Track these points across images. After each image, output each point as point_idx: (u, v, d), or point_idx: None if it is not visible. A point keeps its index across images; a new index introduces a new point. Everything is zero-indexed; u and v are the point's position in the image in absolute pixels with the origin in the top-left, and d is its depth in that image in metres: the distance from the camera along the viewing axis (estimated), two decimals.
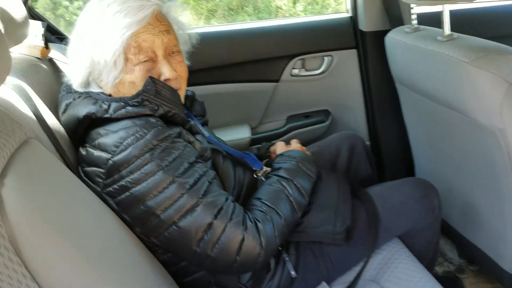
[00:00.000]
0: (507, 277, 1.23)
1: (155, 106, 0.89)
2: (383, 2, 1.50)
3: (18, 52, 1.02)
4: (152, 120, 0.88)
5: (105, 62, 0.89)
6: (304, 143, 1.44)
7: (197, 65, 1.51)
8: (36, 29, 1.03)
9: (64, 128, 0.93)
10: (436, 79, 1.17)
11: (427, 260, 1.26)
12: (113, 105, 0.88)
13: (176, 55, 0.99)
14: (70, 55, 0.94)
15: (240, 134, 1.62)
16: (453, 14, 1.14)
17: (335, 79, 1.67)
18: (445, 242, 1.60)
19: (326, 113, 1.72)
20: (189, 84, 1.51)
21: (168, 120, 0.93)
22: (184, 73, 1.01)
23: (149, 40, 0.91)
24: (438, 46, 1.11)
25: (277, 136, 1.67)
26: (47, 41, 1.06)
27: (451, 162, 1.35)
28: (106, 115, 0.87)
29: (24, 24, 0.94)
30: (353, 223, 1.08)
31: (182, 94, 1.01)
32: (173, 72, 0.95)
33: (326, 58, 1.63)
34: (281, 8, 7.28)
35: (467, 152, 1.23)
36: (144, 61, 0.92)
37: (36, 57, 1.04)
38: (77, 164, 0.90)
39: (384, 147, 1.72)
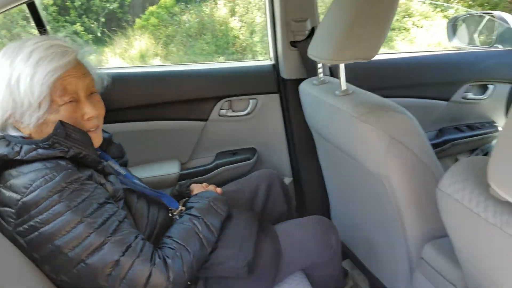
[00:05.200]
0: None
1: (65, 148, 0.97)
2: (300, 53, 1.66)
3: None
4: (62, 163, 0.96)
5: (29, 104, 0.96)
6: (231, 179, 1.57)
7: (129, 102, 1.62)
8: None
9: None
10: (335, 129, 1.31)
11: None
12: (25, 147, 0.95)
13: (95, 95, 1.09)
14: None
15: (169, 169, 1.72)
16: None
17: (260, 120, 1.80)
18: (358, 274, 1.73)
19: (252, 151, 1.84)
20: (121, 120, 1.62)
21: (79, 162, 1.01)
22: (102, 111, 1.11)
23: (73, 83, 1.00)
24: (335, 100, 1.25)
25: (205, 172, 1.77)
26: None
27: (354, 202, 1.49)
28: (18, 157, 0.94)
29: None
30: (257, 258, 1.18)
31: (100, 132, 1.11)
32: (95, 111, 1.04)
33: (251, 101, 1.77)
34: (238, 38, 7.48)
35: (364, 195, 1.37)
36: (69, 102, 1.01)
37: None
38: None
39: (304, 184, 1.86)
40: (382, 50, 1.19)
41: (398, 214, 1.20)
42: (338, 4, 1.17)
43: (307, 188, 1.86)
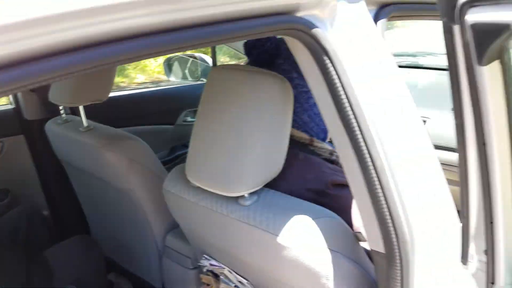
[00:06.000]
0: None
1: None
2: (38, 96, 1.84)
3: None
4: None
5: None
6: None
7: None
8: None
9: None
10: (83, 160, 1.56)
11: None
12: None
13: None
14: None
15: None
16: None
17: (9, 161, 1.88)
18: (122, 280, 2.00)
19: (4, 192, 1.90)
20: None
21: None
22: None
23: None
24: (81, 135, 1.50)
25: None
26: None
27: (110, 217, 1.77)
28: None
29: None
30: (30, 282, 1.36)
31: None
32: None
33: None
34: None
35: (116, 209, 1.65)
36: None
37: None
38: None
39: (63, 211, 2.03)
40: (118, 79, 1.52)
41: (145, 217, 1.53)
42: None
43: (66, 214, 2.03)
